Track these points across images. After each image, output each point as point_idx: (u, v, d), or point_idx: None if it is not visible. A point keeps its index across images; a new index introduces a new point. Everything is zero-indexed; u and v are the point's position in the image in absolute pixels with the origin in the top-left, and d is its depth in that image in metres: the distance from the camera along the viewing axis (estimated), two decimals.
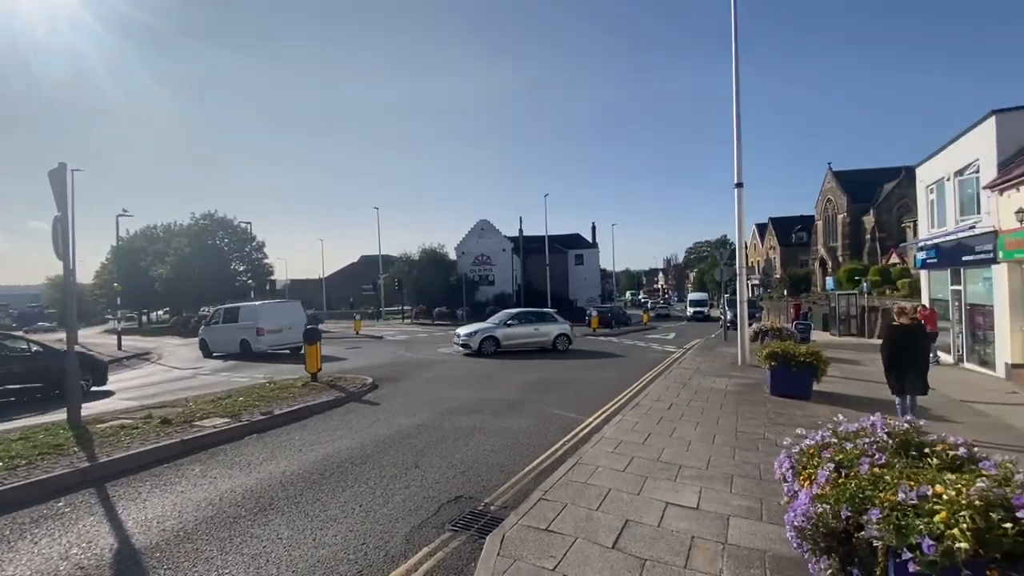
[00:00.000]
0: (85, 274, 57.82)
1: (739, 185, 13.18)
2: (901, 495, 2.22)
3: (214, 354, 19.33)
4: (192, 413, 8.01)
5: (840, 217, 45.97)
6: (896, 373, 6.81)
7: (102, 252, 53.63)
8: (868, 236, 42.25)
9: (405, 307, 46.10)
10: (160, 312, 61.30)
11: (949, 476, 2.34)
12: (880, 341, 7.56)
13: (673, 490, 4.74)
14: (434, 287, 45.05)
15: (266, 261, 48.76)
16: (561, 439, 6.83)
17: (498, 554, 3.55)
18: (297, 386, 10.22)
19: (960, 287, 13.49)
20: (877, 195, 42.10)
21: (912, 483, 2.28)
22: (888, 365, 6.88)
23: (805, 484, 2.86)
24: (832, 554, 2.43)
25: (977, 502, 2.05)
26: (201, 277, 41.56)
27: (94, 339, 33.98)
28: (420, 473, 5.52)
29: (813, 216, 52.12)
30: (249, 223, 45.83)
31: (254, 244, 47.74)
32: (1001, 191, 11.33)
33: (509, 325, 17.57)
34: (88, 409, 8.43)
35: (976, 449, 2.81)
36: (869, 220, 42.15)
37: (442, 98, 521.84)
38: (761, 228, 66.45)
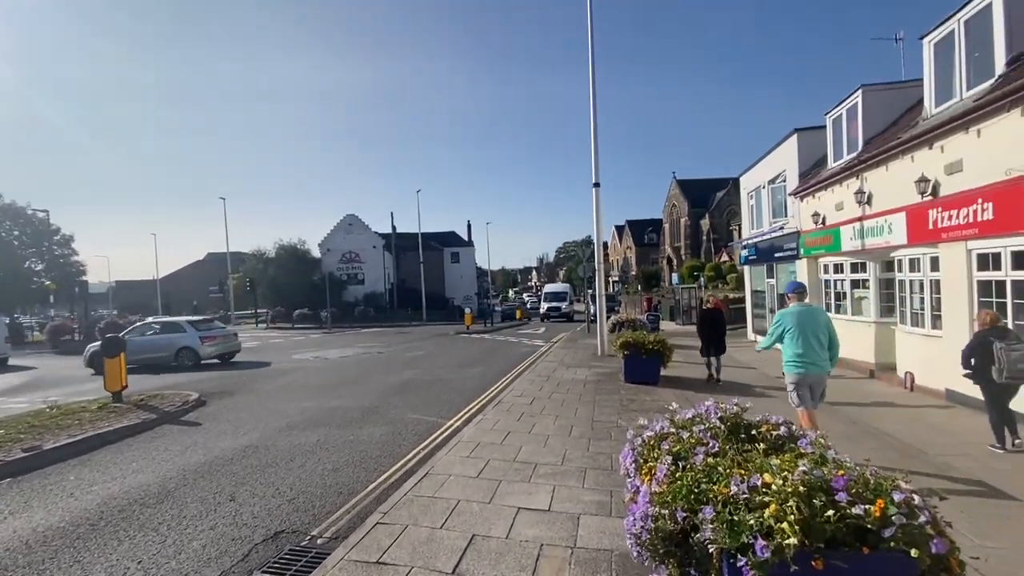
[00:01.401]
0: None
1: (596, 185, 13.78)
2: (733, 487, 2.08)
3: None
4: None
5: (683, 220, 51.89)
6: (706, 341, 10.00)
7: None
8: (705, 237, 48.30)
9: (260, 310, 41.43)
10: None
11: (775, 460, 2.28)
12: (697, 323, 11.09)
13: (527, 492, 4.47)
14: (294, 287, 40.95)
15: (76, 259, 40.07)
16: (416, 447, 6.27)
17: None
18: (91, 410, 8.21)
19: (773, 280, 15.71)
20: (712, 201, 48.30)
21: (743, 473, 2.17)
22: (701, 335, 10.16)
23: (646, 479, 2.69)
24: (670, 559, 2.24)
25: (801, 488, 1.97)
26: None
27: None
28: (235, 508, 4.55)
29: (662, 219, 58.21)
30: (47, 211, 36.87)
31: (57, 238, 38.94)
32: (802, 198, 13.34)
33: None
34: None
35: (795, 427, 2.89)
36: (706, 223, 48.18)
37: (300, 86, 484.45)
38: (620, 229, 72.58)
